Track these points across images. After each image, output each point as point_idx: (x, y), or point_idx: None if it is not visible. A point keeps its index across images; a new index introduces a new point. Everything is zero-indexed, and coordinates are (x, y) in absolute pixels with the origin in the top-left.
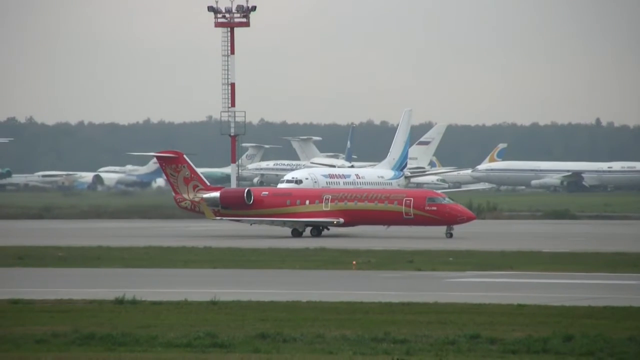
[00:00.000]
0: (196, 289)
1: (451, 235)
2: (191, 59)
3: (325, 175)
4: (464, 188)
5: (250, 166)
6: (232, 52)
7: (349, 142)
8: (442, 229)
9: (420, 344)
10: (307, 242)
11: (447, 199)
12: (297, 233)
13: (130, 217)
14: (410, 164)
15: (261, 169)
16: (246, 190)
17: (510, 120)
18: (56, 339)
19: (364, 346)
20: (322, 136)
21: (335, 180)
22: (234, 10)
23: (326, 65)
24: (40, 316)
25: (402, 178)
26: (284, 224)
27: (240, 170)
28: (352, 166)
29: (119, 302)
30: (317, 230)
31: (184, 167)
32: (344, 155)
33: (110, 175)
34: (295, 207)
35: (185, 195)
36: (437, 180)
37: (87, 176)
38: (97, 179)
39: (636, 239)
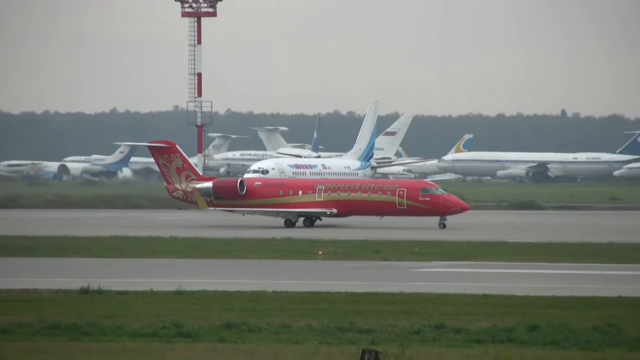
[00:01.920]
0: (162, 278)
1: (444, 226)
2: (158, 49)
3: (291, 166)
4: (430, 179)
5: (216, 156)
6: (199, 42)
7: (315, 133)
8: (436, 219)
9: (385, 334)
10: (285, 232)
11: (440, 189)
12: (290, 223)
13: (96, 207)
14: (377, 154)
15: (228, 159)
16: (239, 181)
17: (477, 111)
18: (21, 329)
19: (329, 336)
20: (289, 126)
21: (302, 170)
22: (201, 0)
23: (293, 56)
24: (5, 306)
25: (369, 168)
26: (276, 214)
27: (206, 160)
28: (319, 156)
29: (85, 291)
30: (310, 220)
31: (176, 157)
32: (310, 146)
33: (76, 164)
34: (288, 198)
35: (178, 186)
36: (403, 170)
37: (53, 166)
38: (63, 169)
39: (601, 230)
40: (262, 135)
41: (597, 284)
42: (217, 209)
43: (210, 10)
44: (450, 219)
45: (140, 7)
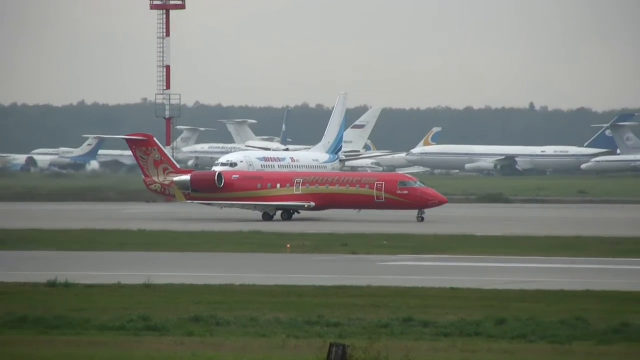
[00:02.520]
0: (130, 271)
1: (422, 219)
2: (126, 41)
3: (260, 158)
4: (398, 171)
5: (185, 149)
6: (168, 34)
7: (284, 125)
8: (414, 212)
9: (353, 327)
10: (255, 226)
11: (418, 182)
12: (267, 216)
13: (64, 200)
14: (345, 147)
15: (196, 151)
16: (217, 174)
17: (445, 104)
18: None
19: (297, 329)
20: (257, 119)
21: (270, 163)
22: None
23: (262, 48)
24: None
25: (337, 161)
26: (254, 207)
27: (175, 153)
28: (287, 149)
29: (52, 284)
30: (288, 213)
31: (154, 149)
32: (279, 139)
33: (44, 157)
34: (266, 191)
35: (155, 178)
36: (372, 163)
37: (20, 158)
38: (30, 161)
39: (568, 223)
40: (230, 127)
41: (564, 277)
42: (195, 201)
43: (179, 2)
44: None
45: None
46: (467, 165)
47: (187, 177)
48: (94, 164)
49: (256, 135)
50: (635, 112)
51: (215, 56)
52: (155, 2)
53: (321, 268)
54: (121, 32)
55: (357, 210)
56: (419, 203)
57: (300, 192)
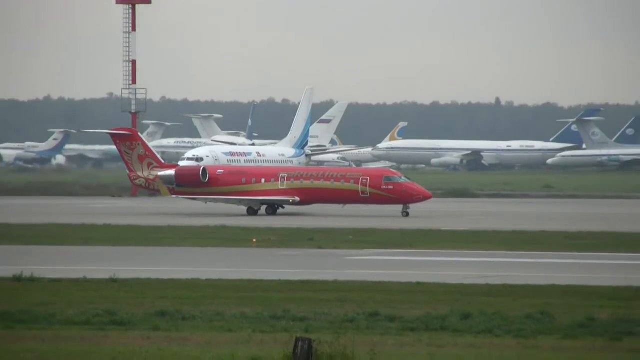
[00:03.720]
0: (95, 266)
1: (407, 214)
2: (93, 36)
3: (226, 153)
4: (364, 167)
5: (151, 144)
6: (134, 29)
7: (250, 120)
8: (399, 207)
9: (319, 322)
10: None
11: (403, 177)
12: (252, 211)
13: (30, 194)
14: (312, 142)
15: (162, 146)
16: (202, 169)
17: (411, 99)
18: None
19: (263, 324)
20: (224, 114)
21: (237, 158)
22: None
23: (228, 43)
24: None
25: (303, 156)
26: (239, 202)
27: None
28: (254, 144)
29: (18, 279)
30: (273, 208)
31: (138, 144)
32: (245, 133)
33: (9, 152)
34: (251, 186)
35: (140, 173)
36: (338, 158)
37: None
38: None
39: (534, 218)
40: (196, 122)
41: (530, 272)
42: (180, 196)
43: None
44: (383, 207)
45: None
46: (434, 161)
47: (171, 172)
48: (60, 159)
49: (222, 130)
50: (601, 107)
51: (181, 51)
52: None
53: (287, 263)
54: (87, 26)
55: (341, 205)
56: (404, 198)
57: (285, 187)
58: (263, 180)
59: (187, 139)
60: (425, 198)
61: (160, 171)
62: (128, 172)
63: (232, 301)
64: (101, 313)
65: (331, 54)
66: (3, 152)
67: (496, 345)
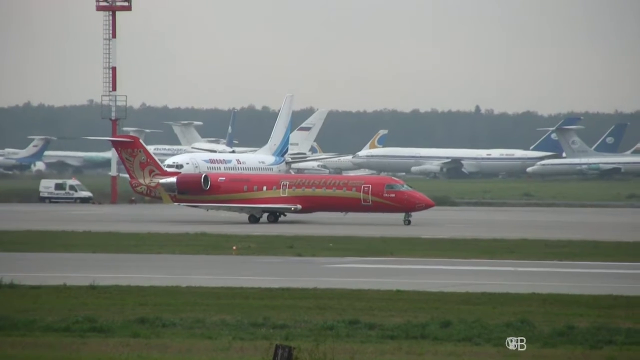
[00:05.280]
0: (75, 273)
1: (409, 222)
2: (73, 42)
3: (206, 160)
4: (344, 174)
5: None
6: (114, 36)
7: (230, 128)
8: (401, 215)
9: (299, 329)
10: (201, 227)
11: (405, 185)
12: (254, 219)
13: (9, 201)
14: (292, 149)
15: None
16: (203, 176)
17: (391, 107)
18: None
19: (243, 331)
20: (204, 121)
21: (217, 165)
22: None
23: (208, 51)
24: None
25: (283, 163)
26: (241, 209)
27: None
28: (234, 151)
29: None
30: (274, 216)
31: (140, 151)
32: (225, 141)
33: None
34: (253, 193)
35: (141, 180)
36: (318, 165)
37: None
38: None
39: (513, 226)
40: (176, 129)
41: (509, 280)
42: (181, 204)
43: (125, 4)
44: (361, 215)
45: (55, 0)
46: (414, 168)
47: (173, 179)
48: (39, 165)
49: (202, 137)
50: (581, 115)
51: (161, 58)
52: (101, 4)
53: (267, 270)
54: (67, 33)
55: (343, 213)
56: (405, 206)
57: (286, 194)
58: (265, 187)
59: (167, 146)
60: (428, 206)
61: (161, 178)
62: (129, 179)
63: (212, 308)
64: (81, 320)
65: (311, 62)
66: None
67: (476, 354)
